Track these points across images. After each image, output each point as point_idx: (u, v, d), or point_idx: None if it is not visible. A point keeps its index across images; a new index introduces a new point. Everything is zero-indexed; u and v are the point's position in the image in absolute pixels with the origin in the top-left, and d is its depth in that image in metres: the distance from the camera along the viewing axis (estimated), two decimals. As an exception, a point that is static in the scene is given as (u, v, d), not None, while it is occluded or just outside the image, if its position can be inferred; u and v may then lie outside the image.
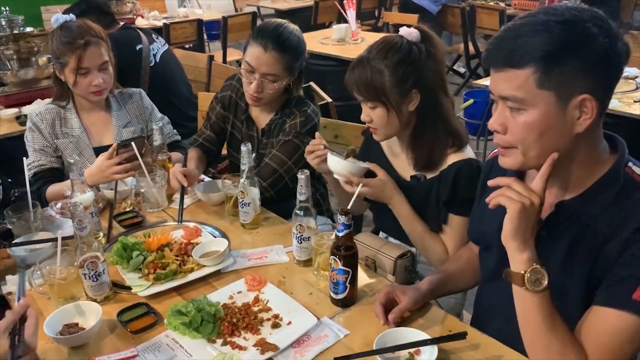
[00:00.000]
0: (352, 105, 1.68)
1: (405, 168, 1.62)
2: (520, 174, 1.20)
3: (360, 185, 1.50)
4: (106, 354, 1.22)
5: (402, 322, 1.28)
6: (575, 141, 1.04)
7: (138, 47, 2.94)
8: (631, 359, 1.07)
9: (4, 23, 2.98)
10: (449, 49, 5.63)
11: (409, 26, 1.53)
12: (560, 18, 0.99)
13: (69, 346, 1.25)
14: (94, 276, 1.36)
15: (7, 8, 3.07)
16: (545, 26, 0.98)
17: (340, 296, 1.35)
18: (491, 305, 1.34)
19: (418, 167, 1.58)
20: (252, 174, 1.68)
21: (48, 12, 5.37)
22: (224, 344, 1.24)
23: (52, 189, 1.93)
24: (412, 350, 1.17)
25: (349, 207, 1.37)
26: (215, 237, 1.67)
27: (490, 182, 1.11)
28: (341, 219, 1.28)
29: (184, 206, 1.79)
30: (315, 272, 1.49)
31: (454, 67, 6.08)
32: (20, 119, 2.77)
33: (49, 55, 2.85)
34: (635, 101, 2.73)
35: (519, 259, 1.04)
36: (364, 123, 1.58)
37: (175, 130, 2.29)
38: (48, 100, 2.41)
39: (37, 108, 2.08)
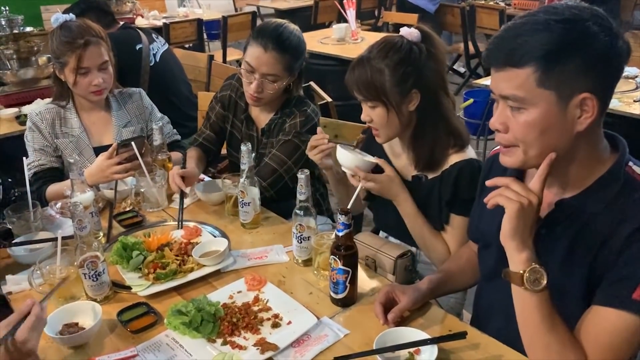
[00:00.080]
0: (352, 105, 1.68)
1: (407, 168, 1.62)
2: (520, 173, 1.20)
3: (363, 182, 1.50)
4: (106, 354, 1.22)
5: (402, 321, 1.28)
6: (575, 140, 1.04)
7: (138, 47, 2.94)
8: (631, 358, 1.07)
9: (3, 23, 2.98)
10: (449, 49, 5.63)
11: (409, 26, 1.53)
12: (561, 17, 0.98)
13: (69, 346, 1.25)
14: (93, 276, 1.36)
15: (7, 8, 3.06)
16: (545, 25, 0.98)
17: (340, 296, 1.35)
18: (491, 305, 1.33)
19: (419, 167, 1.58)
20: (252, 174, 1.68)
21: (48, 12, 5.35)
22: (224, 343, 1.24)
23: (52, 189, 1.93)
24: (412, 349, 1.17)
25: (349, 205, 1.37)
26: (215, 236, 1.66)
27: (488, 182, 1.11)
28: (341, 218, 1.28)
29: (184, 206, 1.79)
30: (315, 272, 1.49)
31: (454, 67, 6.08)
32: (20, 119, 2.77)
33: (49, 55, 2.85)
34: (635, 101, 2.72)
35: (517, 259, 1.04)
36: (364, 123, 1.58)
37: (175, 130, 2.29)
38: (48, 100, 2.41)
39: (37, 108, 2.09)
